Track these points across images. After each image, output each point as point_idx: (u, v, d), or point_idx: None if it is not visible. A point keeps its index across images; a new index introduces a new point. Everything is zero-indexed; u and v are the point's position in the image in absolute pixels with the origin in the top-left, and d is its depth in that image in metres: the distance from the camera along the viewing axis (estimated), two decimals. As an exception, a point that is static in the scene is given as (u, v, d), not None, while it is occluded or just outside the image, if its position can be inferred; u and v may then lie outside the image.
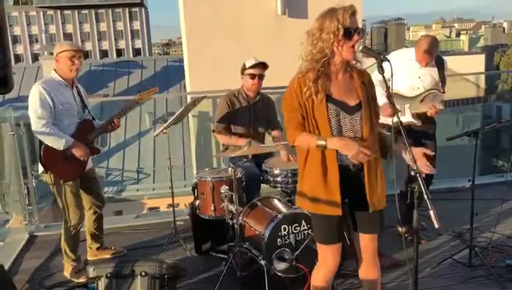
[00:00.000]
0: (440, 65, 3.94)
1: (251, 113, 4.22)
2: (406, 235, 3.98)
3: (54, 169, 3.63)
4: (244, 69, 4.15)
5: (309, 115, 2.41)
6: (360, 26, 2.38)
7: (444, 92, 3.92)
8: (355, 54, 2.38)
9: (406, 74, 3.91)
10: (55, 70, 3.66)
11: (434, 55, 3.86)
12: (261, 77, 4.15)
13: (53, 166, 3.62)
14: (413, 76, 3.93)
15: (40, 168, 3.65)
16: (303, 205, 2.58)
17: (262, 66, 4.13)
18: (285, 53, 4.82)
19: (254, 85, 4.15)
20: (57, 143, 3.54)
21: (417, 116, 3.91)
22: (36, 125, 3.51)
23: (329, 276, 2.64)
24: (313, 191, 2.48)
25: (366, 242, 2.59)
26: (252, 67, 4.11)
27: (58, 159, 3.60)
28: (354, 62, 2.44)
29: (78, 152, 3.62)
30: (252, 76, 4.12)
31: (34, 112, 3.51)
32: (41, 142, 3.60)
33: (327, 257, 2.58)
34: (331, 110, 2.39)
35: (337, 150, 2.39)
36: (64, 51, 3.60)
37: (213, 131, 4.30)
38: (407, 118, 3.90)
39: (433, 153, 2.52)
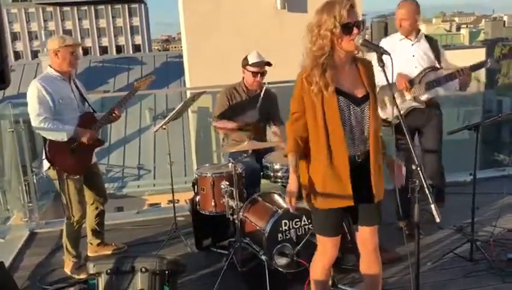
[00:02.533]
0: (430, 41, 3.93)
1: (251, 107, 4.18)
2: (406, 229, 3.95)
3: (60, 164, 3.62)
4: (246, 64, 4.12)
5: (318, 111, 2.39)
6: (360, 18, 2.36)
7: (441, 68, 3.88)
8: (357, 46, 2.36)
9: (399, 55, 3.82)
10: (50, 65, 3.65)
11: (407, 12, 3.84)
12: (263, 74, 4.13)
13: (59, 161, 3.62)
14: (408, 55, 3.90)
15: (46, 165, 3.64)
16: (312, 200, 2.56)
17: (265, 64, 4.10)
18: (285, 48, 4.82)
19: (256, 82, 4.13)
20: (60, 135, 3.54)
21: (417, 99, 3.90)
22: (35, 122, 3.51)
23: (328, 266, 2.67)
24: (323, 185, 2.47)
25: (367, 236, 2.60)
26: (254, 65, 4.08)
27: (64, 154, 3.60)
28: (356, 52, 2.43)
29: (84, 137, 3.62)
30: (254, 74, 4.09)
31: (33, 109, 3.51)
32: (45, 139, 3.59)
33: (327, 247, 2.60)
34: (342, 102, 2.39)
35: (345, 140, 2.40)
36: (66, 46, 3.59)
37: (214, 126, 4.28)
38: (408, 103, 3.88)
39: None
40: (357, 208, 2.55)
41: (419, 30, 3.95)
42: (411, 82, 3.85)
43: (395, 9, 3.94)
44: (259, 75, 4.10)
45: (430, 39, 3.97)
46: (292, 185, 2.54)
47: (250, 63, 4.08)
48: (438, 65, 3.88)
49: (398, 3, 3.93)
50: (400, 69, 3.85)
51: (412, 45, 3.90)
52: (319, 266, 2.69)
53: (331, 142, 2.40)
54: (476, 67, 3.81)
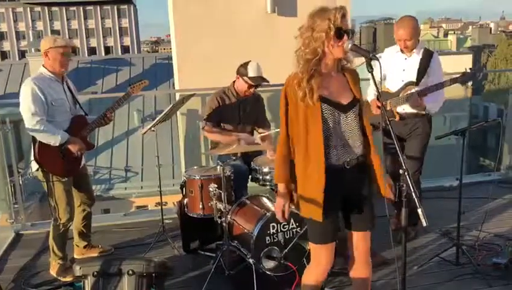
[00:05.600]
0: (425, 56, 3.87)
1: (240, 111, 4.20)
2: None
3: (49, 166, 3.58)
4: (244, 74, 4.08)
5: (300, 116, 2.39)
6: (350, 27, 2.38)
7: (417, 85, 3.83)
8: (346, 53, 2.37)
9: (391, 68, 3.93)
10: (43, 65, 3.61)
11: (409, 33, 3.77)
12: (257, 86, 4.15)
13: (49, 163, 3.58)
14: (398, 68, 3.92)
15: (34, 166, 3.60)
16: (300, 208, 2.56)
17: (263, 80, 4.11)
18: (275, 51, 4.84)
19: (248, 92, 4.14)
20: (53, 139, 3.50)
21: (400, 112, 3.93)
22: (30, 122, 3.46)
23: (321, 276, 2.63)
24: (302, 192, 2.48)
25: (359, 240, 2.59)
26: (252, 80, 4.06)
27: (54, 156, 3.56)
28: (345, 62, 2.45)
29: (74, 147, 3.59)
30: (250, 86, 4.10)
31: (28, 109, 3.45)
32: (34, 140, 3.54)
33: (321, 256, 2.55)
34: (326, 110, 2.38)
35: (325, 149, 2.39)
36: (57, 47, 3.55)
37: (202, 128, 4.27)
38: (388, 113, 3.93)
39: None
40: (350, 214, 2.55)
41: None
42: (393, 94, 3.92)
43: (394, 29, 3.90)
44: (253, 88, 4.11)
45: (426, 53, 3.90)
46: (278, 211, 2.59)
47: (249, 76, 4.07)
48: (414, 80, 3.86)
49: (399, 19, 3.92)
50: (389, 80, 3.95)
51: (406, 59, 3.91)
52: (312, 277, 2.63)
53: (309, 150, 2.40)
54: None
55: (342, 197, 2.49)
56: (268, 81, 4.13)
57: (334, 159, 2.42)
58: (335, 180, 2.41)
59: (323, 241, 2.53)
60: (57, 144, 3.52)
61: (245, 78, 4.08)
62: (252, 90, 4.13)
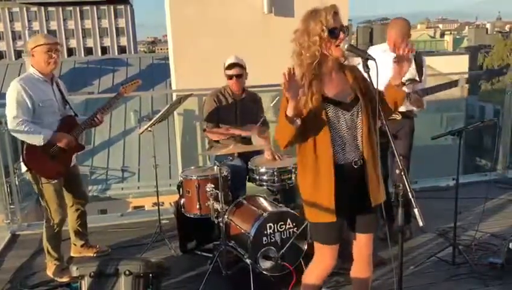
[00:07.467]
0: (415, 56, 3.84)
1: (237, 110, 4.20)
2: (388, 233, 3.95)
3: (38, 168, 3.55)
4: (224, 68, 4.13)
5: (308, 119, 2.38)
6: (344, 24, 2.38)
7: (420, 82, 3.88)
8: (343, 51, 2.37)
9: (379, 66, 3.89)
10: (32, 65, 3.57)
11: (404, 35, 3.79)
12: (239, 77, 4.12)
13: (37, 165, 3.54)
14: (388, 68, 3.89)
15: (23, 168, 3.58)
16: (307, 214, 2.54)
17: (239, 66, 4.10)
18: (271, 51, 4.84)
19: (233, 85, 4.15)
20: (36, 139, 3.45)
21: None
22: (12, 124, 3.43)
23: (324, 275, 2.64)
24: (309, 197, 2.47)
25: (364, 242, 2.58)
26: (228, 68, 4.10)
27: (42, 158, 3.52)
28: (342, 59, 2.44)
29: (62, 142, 3.54)
30: (229, 77, 4.11)
31: (10, 111, 3.42)
32: (23, 142, 3.52)
33: (325, 256, 2.56)
34: (330, 110, 2.38)
35: (333, 149, 2.38)
36: (39, 45, 3.51)
37: (204, 130, 4.27)
38: None
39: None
40: (355, 216, 2.54)
41: None
42: None
43: (388, 29, 3.90)
44: (234, 78, 4.11)
45: (415, 53, 3.91)
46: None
47: (225, 66, 4.11)
48: (417, 78, 3.87)
49: (393, 21, 3.91)
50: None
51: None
52: (314, 275, 2.64)
53: (318, 151, 2.39)
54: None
55: (349, 198, 2.45)
56: (244, 66, 4.11)
57: (342, 158, 2.41)
58: (343, 180, 2.40)
59: (330, 243, 2.53)
60: (42, 144, 3.46)
61: (225, 71, 4.12)
62: (233, 81, 4.12)
